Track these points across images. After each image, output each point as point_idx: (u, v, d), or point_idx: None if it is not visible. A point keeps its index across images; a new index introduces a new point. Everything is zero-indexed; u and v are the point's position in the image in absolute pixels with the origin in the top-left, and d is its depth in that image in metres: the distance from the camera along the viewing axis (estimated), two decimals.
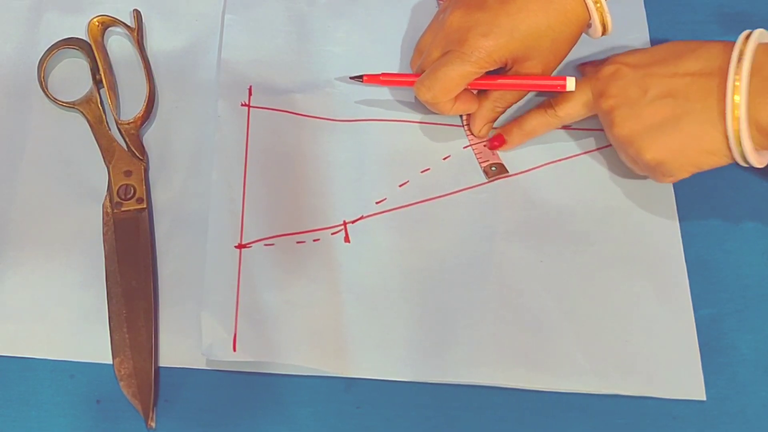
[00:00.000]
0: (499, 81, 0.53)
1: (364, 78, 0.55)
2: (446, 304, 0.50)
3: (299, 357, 0.47)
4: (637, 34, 0.59)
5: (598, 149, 0.55)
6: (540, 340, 0.49)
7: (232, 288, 0.49)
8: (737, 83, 0.45)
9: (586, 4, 0.50)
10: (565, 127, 0.56)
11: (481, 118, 0.54)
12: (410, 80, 0.53)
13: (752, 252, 0.53)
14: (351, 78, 0.55)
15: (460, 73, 0.51)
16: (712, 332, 0.50)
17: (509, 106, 0.55)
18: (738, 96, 0.45)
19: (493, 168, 0.54)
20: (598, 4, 0.50)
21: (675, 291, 0.51)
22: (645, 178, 0.53)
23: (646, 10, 0.60)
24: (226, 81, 0.55)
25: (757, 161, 0.47)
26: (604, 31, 0.52)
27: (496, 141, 0.54)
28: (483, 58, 0.50)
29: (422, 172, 0.54)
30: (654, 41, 0.59)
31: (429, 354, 0.48)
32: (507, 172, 0.54)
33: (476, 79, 0.52)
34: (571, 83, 0.51)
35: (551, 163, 0.55)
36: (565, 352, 0.49)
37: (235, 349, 0.47)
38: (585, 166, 0.55)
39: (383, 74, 0.55)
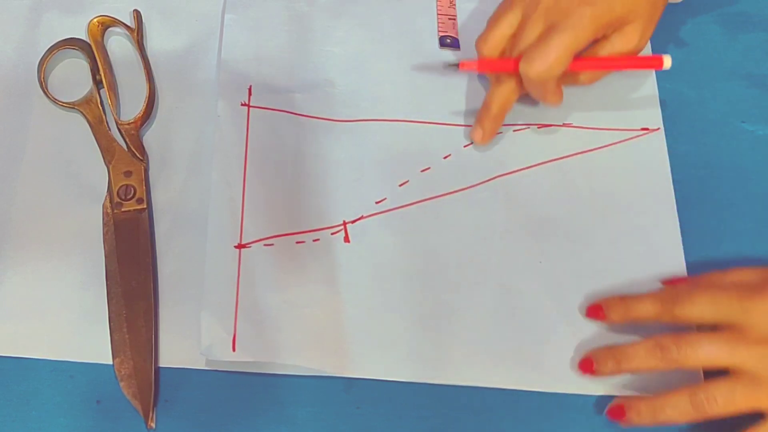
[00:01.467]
0: (595, 61, 0.53)
1: (460, 65, 0.53)
2: (446, 305, 0.50)
3: (299, 357, 0.47)
4: None
5: (598, 148, 0.55)
6: (538, 341, 0.49)
7: (232, 288, 0.49)
8: None
9: None
10: (566, 125, 0.56)
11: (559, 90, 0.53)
12: (510, 63, 0.52)
13: (752, 252, 0.53)
14: (445, 65, 0.55)
15: (572, 40, 0.50)
16: None
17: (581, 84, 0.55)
18: None
19: (448, 40, 0.56)
20: None
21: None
22: (647, 177, 0.53)
23: None
24: (226, 81, 0.55)
25: None
26: None
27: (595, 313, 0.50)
28: (590, 24, 0.50)
29: (422, 171, 0.54)
30: (653, 41, 0.59)
31: (428, 354, 0.48)
32: (459, 48, 0.57)
33: (576, 59, 0.51)
34: (668, 61, 0.52)
35: (551, 161, 0.55)
36: (564, 354, 0.49)
37: (234, 349, 0.47)
38: (585, 166, 0.55)
39: (480, 60, 0.53)
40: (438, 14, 0.59)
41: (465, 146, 0.55)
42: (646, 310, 0.48)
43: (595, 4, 0.50)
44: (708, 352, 0.45)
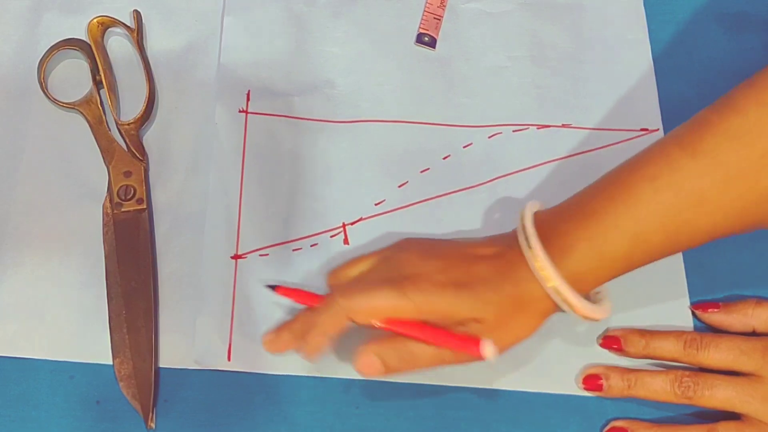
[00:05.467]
0: (412, 329, 0.43)
1: (277, 288, 0.47)
2: None
3: (295, 367, 0.48)
4: (637, 34, 0.59)
5: (597, 149, 0.55)
6: (537, 342, 0.49)
7: (228, 299, 0.49)
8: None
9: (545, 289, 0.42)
10: (565, 126, 0.56)
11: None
12: (316, 298, 0.45)
13: (751, 252, 0.53)
14: (266, 286, 0.47)
15: (392, 304, 0.42)
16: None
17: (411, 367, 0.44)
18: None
19: (426, 38, 0.56)
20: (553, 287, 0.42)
21: (673, 292, 0.51)
22: None
23: (646, 11, 0.60)
24: (225, 86, 0.55)
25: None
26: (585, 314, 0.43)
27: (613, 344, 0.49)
28: (425, 303, 0.42)
29: (422, 172, 0.54)
30: (653, 41, 0.59)
31: None
32: (434, 48, 0.57)
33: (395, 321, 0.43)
34: (488, 349, 0.41)
35: (551, 162, 0.55)
36: (563, 356, 0.49)
37: (230, 359, 0.48)
38: (584, 166, 0.55)
39: (298, 291, 0.47)
40: (424, 11, 0.59)
41: (464, 146, 0.55)
42: (668, 349, 0.48)
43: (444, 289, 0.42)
44: (724, 397, 0.46)
